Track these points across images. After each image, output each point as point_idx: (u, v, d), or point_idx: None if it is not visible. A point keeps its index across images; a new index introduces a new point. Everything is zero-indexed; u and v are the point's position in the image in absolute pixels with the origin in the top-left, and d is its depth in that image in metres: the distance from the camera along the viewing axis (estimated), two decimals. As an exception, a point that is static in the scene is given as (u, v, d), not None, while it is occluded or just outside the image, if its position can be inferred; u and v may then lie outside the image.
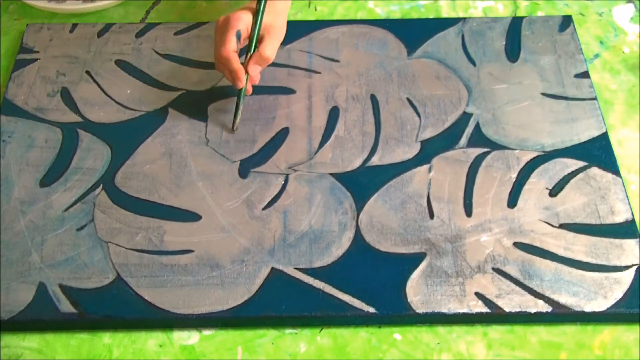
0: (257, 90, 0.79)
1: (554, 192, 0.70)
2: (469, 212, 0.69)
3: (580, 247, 0.67)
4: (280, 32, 0.73)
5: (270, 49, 0.72)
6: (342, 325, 0.64)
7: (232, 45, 0.70)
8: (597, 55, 0.84)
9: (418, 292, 0.64)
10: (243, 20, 0.71)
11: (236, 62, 0.70)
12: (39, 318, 0.63)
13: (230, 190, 0.71)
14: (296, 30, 0.85)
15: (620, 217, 0.69)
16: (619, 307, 0.63)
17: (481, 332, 0.64)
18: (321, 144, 0.75)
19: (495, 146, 0.74)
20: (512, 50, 0.83)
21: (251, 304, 0.64)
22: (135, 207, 0.70)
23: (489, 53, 0.82)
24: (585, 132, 0.75)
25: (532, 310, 0.63)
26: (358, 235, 0.68)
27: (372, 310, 0.63)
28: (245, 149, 0.74)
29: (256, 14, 0.71)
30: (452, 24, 0.86)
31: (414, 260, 0.66)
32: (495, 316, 0.63)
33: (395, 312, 0.63)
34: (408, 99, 0.78)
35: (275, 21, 0.73)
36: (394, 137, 0.75)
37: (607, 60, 0.84)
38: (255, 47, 0.73)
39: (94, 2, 0.89)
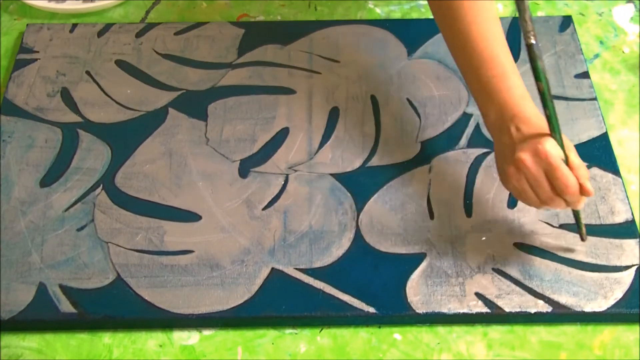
0: (257, 90, 0.79)
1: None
2: (469, 212, 0.69)
3: (580, 247, 0.67)
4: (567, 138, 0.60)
5: (578, 157, 0.59)
6: (342, 325, 0.64)
7: (574, 177, 0.57)
8: (597, 55, 0.84)
9: (418, 292, 0.64)
10: (557, 147, 0.57)
11: (586, 189, 0.58)
12: (39, 318, 0.63)
13: (230, 190, 0.71)
14: (296, 30, 0.85)
15: (620, 217, 0.69)
16: (619, 307, 0.63)
17: (481, 332, 0.64)
18: (321, 144, 0.75)
19: (495, 146, 0.74)
20: (512, 51, 0.82)
21: (251, 304, 0.64)
22: (135, 207, 0.70)
23: (489, 53, 0.82)
24: (585, 132, 0.75)
25: (532, 310, 0.63)
26: (358, 236, 0.68)
27: (372, 310, 0.63)
28: (245, 149, 0.74)
29: (554, 130, 0.58)
30: (452, 24, 0.86)
31: (414, 260, 0.66)
32: (495, 316, 0.63)
33: (395, 312, 0.63)
34: (408, 100, 0.78)
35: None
36: (394, 138, 0.75)
37: (607, 60, 0.84)
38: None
39: (94, 2, 0.89)
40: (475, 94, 0.63)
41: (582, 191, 0.57)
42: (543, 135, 0.57)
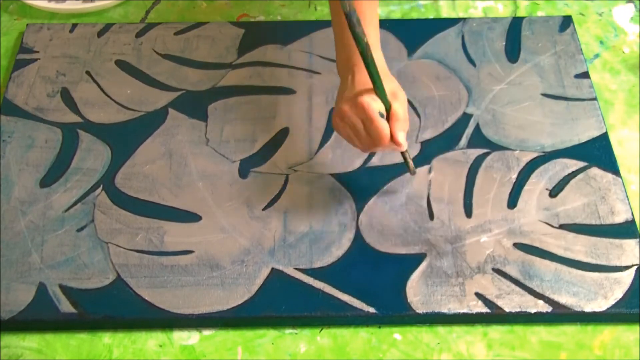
0: (257, 90, 0.79)
1: (554, 192, 0.70)
2: (469, 213, 0.69)
3: (580, 247, 0.67)
4: (403, 94, 0.64)
5: (404, 110, 0.63)
6: (342, 325, 0.64)
7: (387, 128, 0.61)
8: (597, 55, 0.84)
9: (418, 292, 0.64)
10: (376, 101, 0.61)
11: (396, 140, 0.61)
12: (39, 318, 0.63)
13: (230, 191, 0.71)
14: (296, 30, 0.85)
15: (620, 217, 0.69)
16: (619, 307, 0.63)
17: (481, 332, 0.64)
18: (321, 145, 0.75)
19: (495, 147, 0.74)
20: (512, 51, 0.83)
21: (251, 304, 0.64)
22: (135, 208, 0.70)
23: (489, 53, 0.82)
24: (585, 132, 0.75)
25: (532, 310, 0.63)
26: (358, 236, 0.68)
27: (372, 310, 0.63)
28: (245, 149, 0.74)
29: (375, 85, 0.61)
30: (452, 24, 0.86)
31: (414, 261, 0.66)
32: (495, 316, 0.63)
33: (395, 312, 0.63)
34: (408, 100, 0.78)
35: (393, 85, 0.64)
36: (394, 138, 0.75)
37: (607, 60, 0.84)
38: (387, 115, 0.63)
39: (94, 2, 0.89)
40: (337, 45, 0.68)
41: (394, 142, 0.61)
42: (367, 89, 0.61)
